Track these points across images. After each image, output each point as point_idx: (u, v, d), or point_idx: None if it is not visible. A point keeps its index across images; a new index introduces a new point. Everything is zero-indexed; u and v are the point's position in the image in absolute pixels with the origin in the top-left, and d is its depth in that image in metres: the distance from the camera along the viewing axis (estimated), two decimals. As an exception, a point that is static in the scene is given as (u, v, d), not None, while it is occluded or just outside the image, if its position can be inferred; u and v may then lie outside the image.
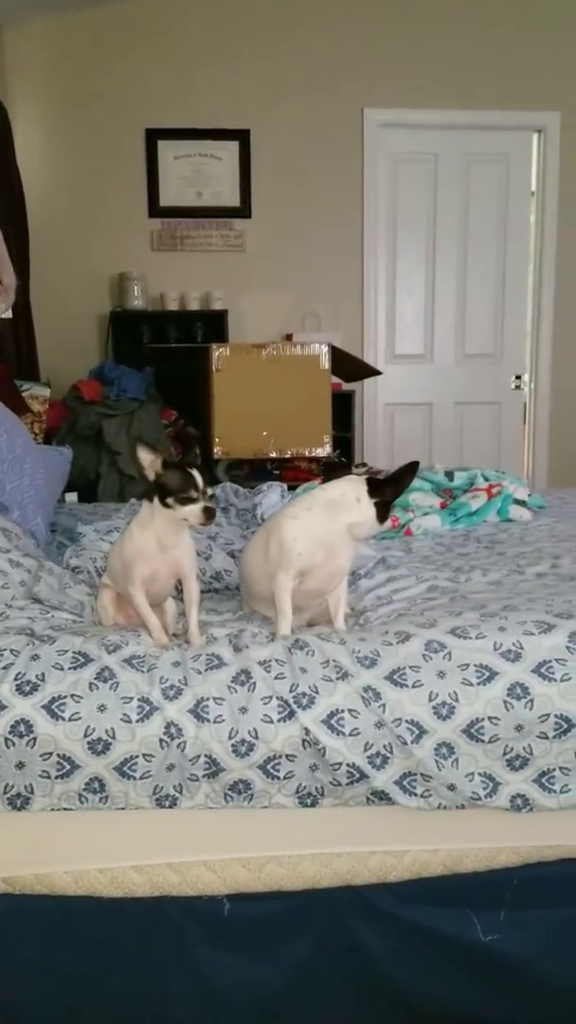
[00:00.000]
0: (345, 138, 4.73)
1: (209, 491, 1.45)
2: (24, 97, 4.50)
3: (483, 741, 1.32)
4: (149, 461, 1.44)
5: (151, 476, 1.45)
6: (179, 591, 1.56)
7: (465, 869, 1.37)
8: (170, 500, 1.43)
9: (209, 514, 1.43)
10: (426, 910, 1.36)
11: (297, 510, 1.57)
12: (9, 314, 3.90)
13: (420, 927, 1.35)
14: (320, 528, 1.52)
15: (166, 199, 4.68)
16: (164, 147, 4.64)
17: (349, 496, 1.52)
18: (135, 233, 4.69)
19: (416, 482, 2.70)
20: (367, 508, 1.50)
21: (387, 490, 1.51)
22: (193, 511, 1.43)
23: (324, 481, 1.63)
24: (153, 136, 4.63)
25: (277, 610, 1.52)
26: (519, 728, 1.32)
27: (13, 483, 2.07)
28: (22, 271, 4.09)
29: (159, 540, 1.47)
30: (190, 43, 4.58)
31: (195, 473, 1.43)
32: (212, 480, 2.97)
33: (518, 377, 5.09)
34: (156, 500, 1.45)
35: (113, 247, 4.65)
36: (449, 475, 2.72)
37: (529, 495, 2.65)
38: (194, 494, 1.42)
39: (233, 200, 4.73)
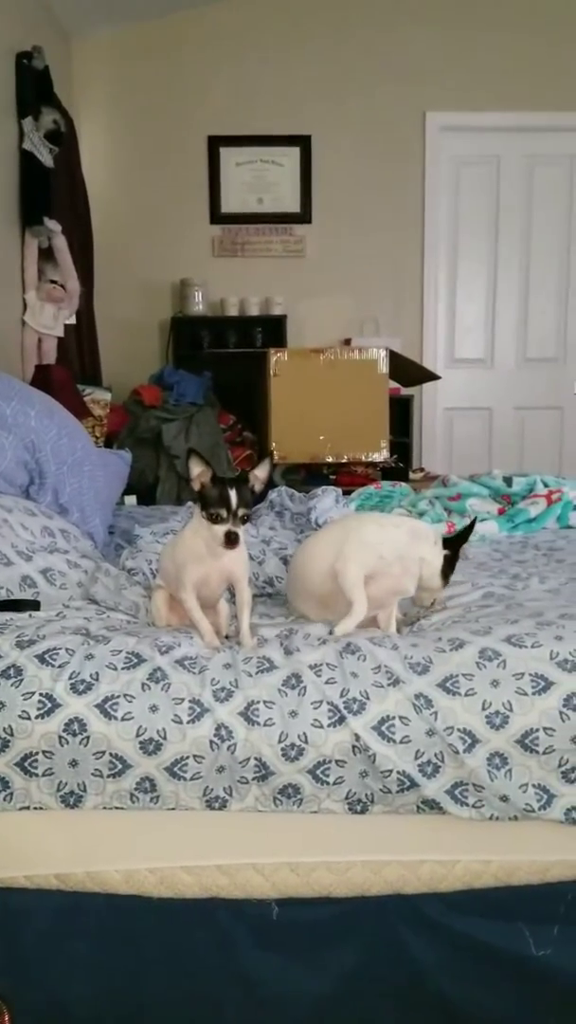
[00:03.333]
0: (407, 142, 4.70)
1: (243, 512, 1.42)
2: (89, 106, 4.59)
3: (538, 752, 1.30)
4: (198, 472, 1.45)
5: (197, 487, 1.45)
6: (231, 594, 1.56)
7: (518, 881, 1.34)
8: (204, 514, 1.44)
9: (229, 539, 1.41)
10: (477, 922, 1.34)
11: (386, 521, 1.66)
12: (73, 320, 3.98)
13: (471, 939, 1.33)
14: (400, 547, 1.57)
15: (227, 205, 4.71)
16: (226, 154, 4.67)
17: (433, 537, 1.63)
18: (196, 239, 4.73)
19: (473, 487, 2.67)
20: (439, 555, 1.60)
21: (451, 542, 1.64)
22: (216, 532, 1.42)
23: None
24: (215, 143, 4.66)
25: (352, 599, 1.51)
26: (575, 740, 1.30)
27: (73, 486, 2.10)
28: (86, 278, 4.16)
29: (209, 545, 1.47)
30: (252, 51, 4.61)
31: (232, 494, 1.42)
32: (263, 496, 2.90)
33: (582, 382, 5.00)
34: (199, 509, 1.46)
35: (175, 254, 4.70)
36: (508, 480, 2.68)
37: (590, 502, 2.59)
38: (224, 514, 1.42)
39: (294, 206, 4.74)
